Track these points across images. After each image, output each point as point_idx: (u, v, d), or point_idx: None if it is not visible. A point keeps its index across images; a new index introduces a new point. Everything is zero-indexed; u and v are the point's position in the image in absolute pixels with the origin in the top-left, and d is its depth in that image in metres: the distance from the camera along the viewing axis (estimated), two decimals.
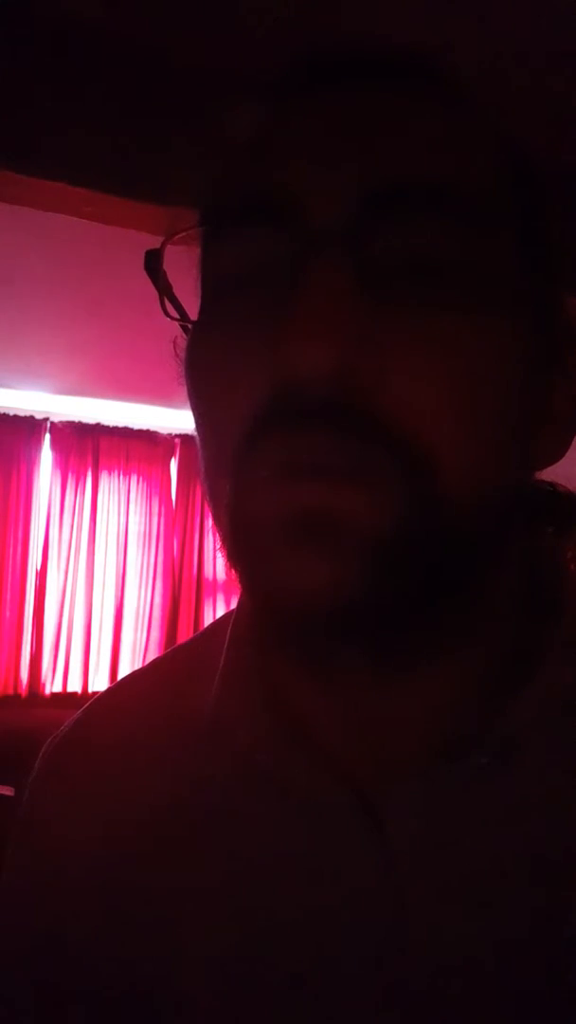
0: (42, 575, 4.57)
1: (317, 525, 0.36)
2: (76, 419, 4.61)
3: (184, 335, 0.44)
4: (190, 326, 0.43)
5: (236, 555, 0.40)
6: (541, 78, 1.82)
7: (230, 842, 0.44)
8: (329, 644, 0.40)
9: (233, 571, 0.41)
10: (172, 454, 4.87)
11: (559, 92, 1.87)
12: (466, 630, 0.42)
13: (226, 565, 0.41)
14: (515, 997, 0.39)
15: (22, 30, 1.71)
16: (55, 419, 4.59)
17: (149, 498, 4.82)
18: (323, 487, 0.36)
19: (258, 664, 0.46)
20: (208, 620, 4.30)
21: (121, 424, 4.69)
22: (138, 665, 0.57)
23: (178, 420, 4.55)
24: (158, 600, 4.82)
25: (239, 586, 0.42)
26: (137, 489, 4.79)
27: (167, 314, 0.43)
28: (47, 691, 4.54)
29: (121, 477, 4.75)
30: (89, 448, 4.66)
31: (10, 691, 4.48)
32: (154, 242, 0.43)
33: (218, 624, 0.52)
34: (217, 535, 0.42)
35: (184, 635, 4.73)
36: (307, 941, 0.42)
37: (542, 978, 0.40)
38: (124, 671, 4.58)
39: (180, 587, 4.88)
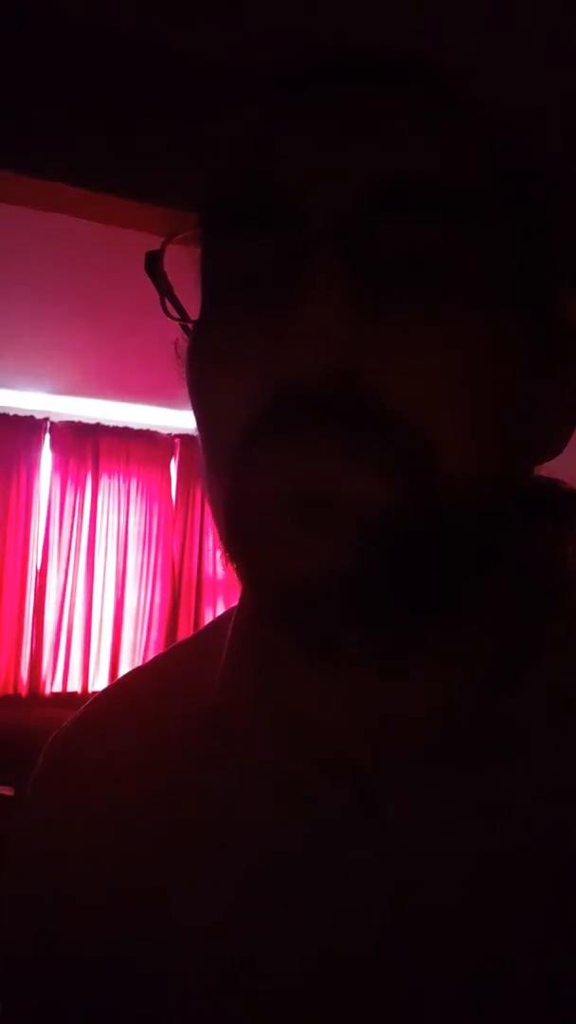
0: (42, 575, 4.57)
1: (314, 504, 0.37)
2: (76, 419, 4.61)
3: (184, 335, 0.44)
4: (190, 326, 0.44)
5: (234, 541, 0.40)
6: (539, 78, 1.83)
7: (229, 833, 0.45)
8: (329, 627, 0.40)
9: (231, 563, 0.41)
10: (172, 454, 4.87)
11: (557, 92, 1.87)
12: (466, 623, 0.43)
13: (223, 559, 0.41)
14: (515, 988, 0.40)
15: (21, 30, 1.72)
16: (55, 419, 4.59)
17: (149, 498, 4.83)
18: (320, 467, 0.37)
19: (260, 658, 0.47)
20: (208, 620, 4.29)
21: (121, 424, 4.70)
22: (138, 665, 0.58)
23: (178, 420, 4.55)
24: (158, 600, 4.83)
25: (237, 577, 0.42)
26: (137, 489, 4.80)
27: (168, 314, 0.44)
28: (47, 691, 4.55)
29: (121, 477, 4.76)
30: (89, 448, 4.66)
31: (10, 691, 4.49)
32: (154, 242, 0.43)
33: (220, 620, 0.53)
34: (216, 533, 0.42)
35: (184, 635, 4.71)
36: (305, 931, 0.42)
37: (543, 969, 0.40)
38: (124, 671, 4.56)
39: (180, 587, 4.89)
